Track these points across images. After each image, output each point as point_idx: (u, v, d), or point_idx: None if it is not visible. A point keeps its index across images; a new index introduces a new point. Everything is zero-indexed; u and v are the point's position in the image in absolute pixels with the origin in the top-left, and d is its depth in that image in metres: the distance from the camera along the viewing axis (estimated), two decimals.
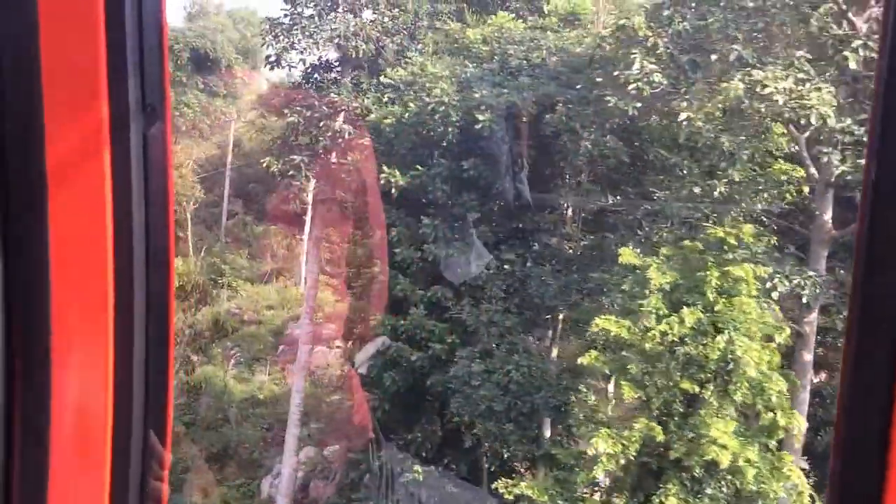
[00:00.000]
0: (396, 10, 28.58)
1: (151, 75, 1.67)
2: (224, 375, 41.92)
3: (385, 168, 21.99)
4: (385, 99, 26.31)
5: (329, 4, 28.14)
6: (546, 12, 26.53)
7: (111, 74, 1.58)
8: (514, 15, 25.51)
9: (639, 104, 17.23)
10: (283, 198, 55.99)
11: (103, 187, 1.59)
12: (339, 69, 28.07)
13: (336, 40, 27.02)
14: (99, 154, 1.59)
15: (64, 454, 1.64)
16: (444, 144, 21.84)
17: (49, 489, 1.63)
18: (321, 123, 27.95)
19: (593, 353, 16.01)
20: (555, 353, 21.23)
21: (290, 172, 28.40)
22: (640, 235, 18.69)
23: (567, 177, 21.73)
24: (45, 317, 1.58)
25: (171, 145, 1.77)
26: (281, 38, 28.16)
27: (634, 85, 16.81)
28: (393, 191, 21.90)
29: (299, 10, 28.76)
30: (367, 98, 28.12)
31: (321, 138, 28.31)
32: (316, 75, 28.51)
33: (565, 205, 22.33)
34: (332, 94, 27.73)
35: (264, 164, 28.83)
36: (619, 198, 19.94)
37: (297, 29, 27.86)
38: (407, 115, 22.19)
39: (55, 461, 1.63)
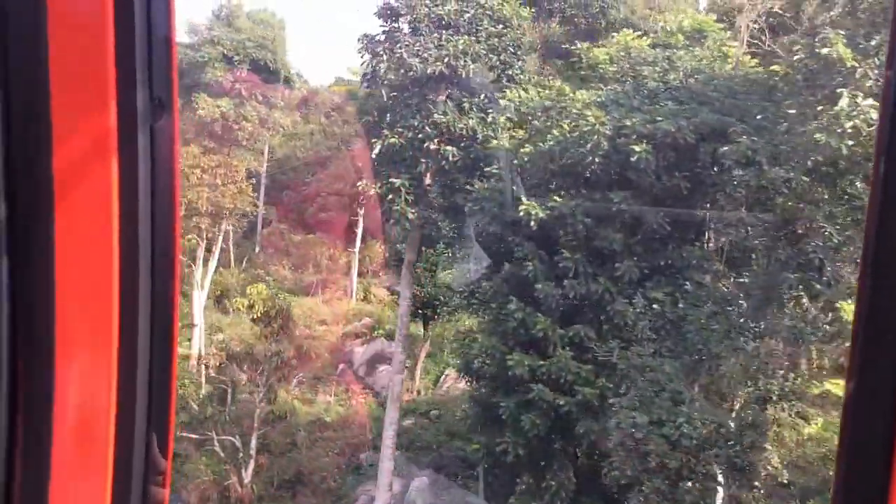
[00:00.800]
0: (500, 25, 26.85)
1: (160, 68, 1.63)
2: (288, 397, 40.04)
3: (522, 199, 20.25)
4: (501, 121, 24.64)
5: (432, 20, 26.37)
6: (668, 30, 24.85)
7: (120, 67, 1.55)
8: (639, 32, 23.80)
9: (851, 142, 15.50)
10: (323, 207, 54.21)
11: (110, 183, 1.56)
12: (443, 88, 26.28)
13: (445, 58, 25.23)
14: (106, 149, 1.55)
15: (66, 455, 1.60)
16: (588, 175, 20.16)
17: (50, 490, 1.59)
18: (424, 145, 26.20)
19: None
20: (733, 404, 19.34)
21: (390, 196, 26.65)
22: (826, 277, 17.04)
23: (721, 208, 19.99)
24: (50, 317, 1.55)
25: (179, 138, 1.71)
26: (381, 54, 26.38)
27: (851, 123, 15.07)
28: (532, 223, 20.17)
29: (398, 25, 27.00)
30: (471, 119, 26.38)
31: (423, 160, 26.57)
32: (415, 94, 26.74)
33: (712, 239, 20.72)
34: (436, 115, 25.96)
35: (360, 187, 27.07)
36: (790, 233, 18.22)
37: (399, 47, 26.09)
38: (548, 141, 20.42)
39: (57, 461, 1.59)
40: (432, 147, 25.96)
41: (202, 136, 43.35)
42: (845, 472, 1.51)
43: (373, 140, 26.74)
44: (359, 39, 27.92)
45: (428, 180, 26.56)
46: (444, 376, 38.80)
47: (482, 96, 26.34)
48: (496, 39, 26.43)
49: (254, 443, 29.65)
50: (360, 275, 55.75)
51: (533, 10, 27.75)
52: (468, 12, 26.58)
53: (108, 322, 1.59)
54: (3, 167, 1.53)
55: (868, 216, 1.44)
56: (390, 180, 26.53)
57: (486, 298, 21.66)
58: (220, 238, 44.89)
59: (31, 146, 1.54)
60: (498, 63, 26.28)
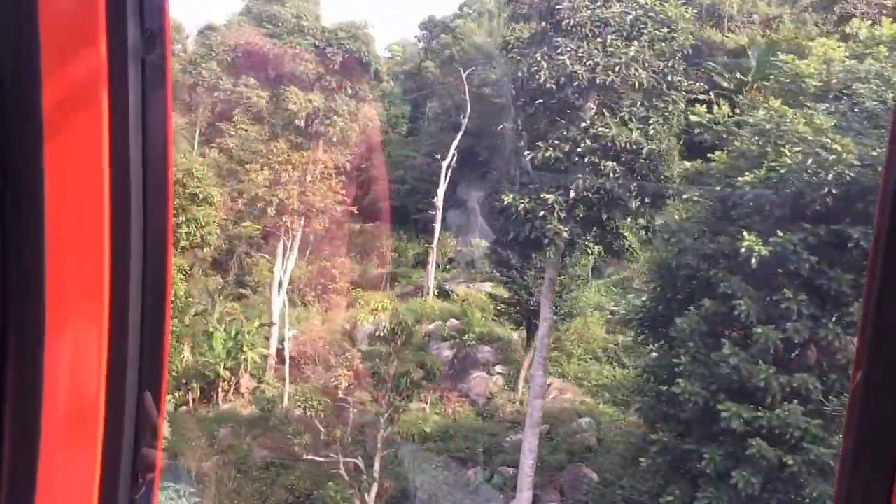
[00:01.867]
0: (666, 28, 24.27)
1: (151, 0, 1.58)
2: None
3: (745, 234, 17.85)
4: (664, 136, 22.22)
5: (595, 24, 23.81)
6: (860, 39, 22.30)
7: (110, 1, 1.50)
8: (840, 43, 21.29)
9: None
10: (387, 198, 51.66)
11: (100, 119, 1.50)
12: (606, 97, 23.75)
13: (616, 67, 22.69)
14: (96, 84, 1.49)
15: (56, 418, 1.55)
16: (818, 208, 17.78)
17: (40, 453, 1.54)
18: (585, 159, 23.75)
19: None
20: None
21: (542, 213, 24.24)
22: None
23: None
24: (39, 259, 1.50)
25: (170, 72, 1.63)
26: (539, 59, 23.83)
27: None
28: (753, 261, 17.83)
29: (557, 28, 24.42)
30: (633, 131, 23.91)
31: (580, 175, 24.15)
32: (572, 103, 24.24)
33: None
34: (600, 128, 23.48)
35: (505, 201, 24.67)
36: None
37: (559, 52, 23.53)
38: (777, 169, 17.94)
39: (46, 425, 1.54)
40: (592, 161, 23.55)
41: (290, 130, 40.87)
42: (848, 481, 1.50)
43: (526, 152, 24.29)
44: (505, 44, 25.46)
45: (581, 196, 24.17)
46: (546, 385, 36.58)
47: (644, 107, 23.91)
48: (662, 44, 23.89)
49: (377, 465, 27.57)
50: (426, 268, 53.48)
51: (693, 10, 25.13)
52: (629, 14, 24.04)
53: (98, 265, 1.50)
54: None
55: (877, 223, 1.43)
56: (542, 195, 24.13)
57: (682, 336, 19.31)
58: (299, 235, 42.47)
59: (18, 81, 1.46)
60: (665, 70, 23.76)
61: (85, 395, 1.56)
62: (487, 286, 47.96)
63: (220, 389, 41.18)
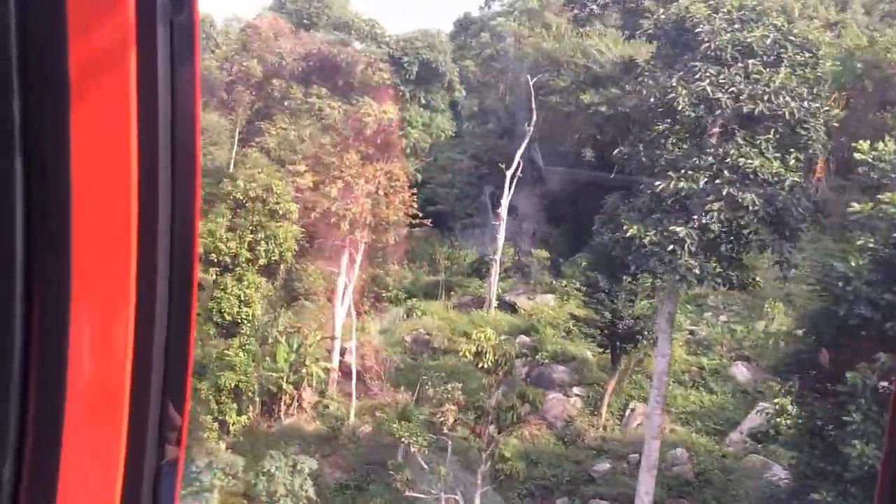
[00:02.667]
0: (807, 53, 22.58)
1: None
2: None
3: None
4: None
5: (737, 48, 22.10)
6: None
7: None
8: None
9: None
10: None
11: (128, 81, 1.45)
12: (748, 126, 22.07)
13: (765, 96, 21.02)
14: (124, 45, 1.44)
15: (79, 409, 1.50)
16: None
17: (63, 443, 1.49)
18: (723, 191, 22.11)
19: None
20: None
21: (670, 247, 22.63)
22: None
23: None
24: (65, 229, 1.45)
25: (199, 35, 1.56)
26: (676, 84, 22.14)
27: None
28: None
29: (692, 51, 22.73)
30: (773, 161, 22.25)
31: (715, 208, 22.49)
32: (707, 130, 22.59)
33: None
34: (739, 158, 21.82)
35: (628, 232, 23.07)
36: None
37: (700, 78, 21.83)
38: None
39: (70, 415, 1.49)
40: (730, 192, 21.91)
41: (360, 141, 39.25)
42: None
43: (657, 183, 22.61)
44: (630, 62, 23.81)
45: (713, 229, 22.54)
46: (629, 411, 34.98)
47: (782, 135, 22.26)
48: (805, 70, 22.22)
49: (478, 501, 26.04)
50: (482, 277, 51.73)
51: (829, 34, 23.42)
52: (768, 37, 22.36)
53: (126, 235, 1.45)
54: (18, 63, 1.40)
55: None
56: (671, 229, 22.51)
57: (854, 391, 17.70)
58: (362, 248, 40.78)
59: (45, 41, 1.42)
60: (807, 96, 22.08)
61: (109, 383, 1.48)
62: (549, 298, 46.30)
63: (282, 403, 39.64)
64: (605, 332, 32.94)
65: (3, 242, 1.43)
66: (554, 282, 47.75)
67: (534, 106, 45.07)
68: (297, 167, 39.23)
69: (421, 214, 38.55)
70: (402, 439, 24.85)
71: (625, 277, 32.27)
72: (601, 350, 34.94)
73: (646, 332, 32.36)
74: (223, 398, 33.10)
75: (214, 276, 31.95)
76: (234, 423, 32.74)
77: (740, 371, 35.94)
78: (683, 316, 40.61)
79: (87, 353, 1.48)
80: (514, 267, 50.26)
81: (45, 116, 1.43)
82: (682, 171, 22.28)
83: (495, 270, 46.61)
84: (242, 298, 32.18)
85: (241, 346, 32.67)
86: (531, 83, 44.69)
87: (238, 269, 32.34)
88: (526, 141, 45.96)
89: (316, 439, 37.07)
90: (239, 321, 32.34)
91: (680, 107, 21.60)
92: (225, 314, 31.86)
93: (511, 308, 46.09)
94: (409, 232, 49.86)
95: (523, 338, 41.12)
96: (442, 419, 24.63)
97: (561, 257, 49.00)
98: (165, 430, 1.59)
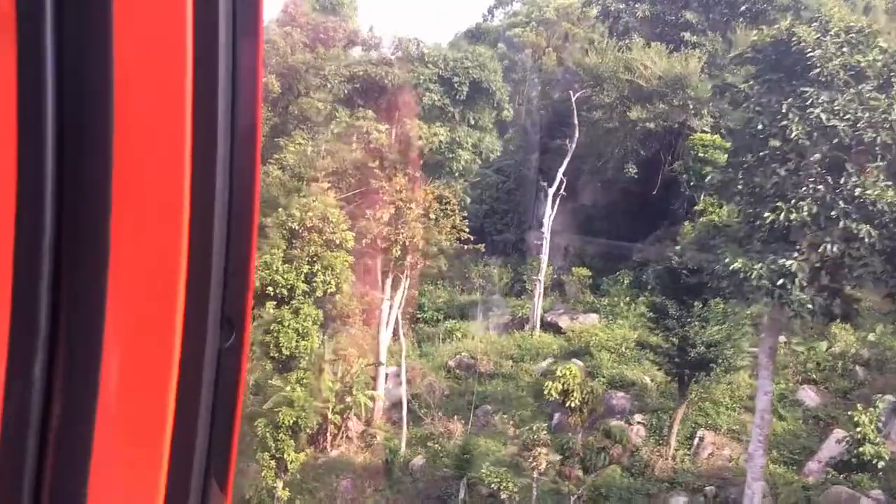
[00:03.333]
0: None
1: None
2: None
3: None
4: None
5: (849, 72, 20.91)
6: None
7: None
8: None
9: None
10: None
11: (183, 62, 1.26)
12: (863, 155, 20.90)
13: (887, 124, 19.84)
14: (178, 18, 1.25)
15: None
16: None
17: (91, 464, 1.31)
18: (840, 224, 20.89)
19: None
20: None
21: (780, 281, 21.40)
22: None
23: None
24: (104, 223, 1.26)
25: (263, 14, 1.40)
26: (787, 111, 20.92)
27: None
28: None
29: (802, 77, 21.51)
30: (888, 190, 21.07)
31: (827, 239, 21.30)
32: (826, 160, 21.36)
33: None
34: (857, 188, 20.61)
35: (731, 265, 21.74)
36: None
37: (812, 105, 20.60)
38: None
39: (101, 426, 1.30)
40: (846, 224, 20.73)
41: (407, 164, 37.97)
42: None
43: (766, 214, 21.39)
44: (726, 87, 22.60)
45: (825, 261, 21.36)
46: (698, 440, 33.66)
47: (889, 163, 21.10)
48: None
49: None
50: (517, 296, 50.35)
51: None
52: (879, 60, 21.20)
53: (178, 215, 1.26)
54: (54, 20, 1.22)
55: None
56: (779, 262, 21.31)
57: None
58: (407, 272, 39.42)
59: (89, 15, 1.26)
60: None
61: (150, 398, 1.30)
62: (594, 318, 45.08)
63: (328, 434, 38.27)
64: (675, 358, 31.63)
65: (34, 252, 1.22)
66: (596, 300, 46.54)
67: (576, 121, 43.90)
68: (321, 185, 37.89)
69: (473, 238, 37.17)
70: (492, 484, 23.44)
71: (695, 303, 31.09)
72: (667, 377, 33.61)
73: (719, 360, 31.14)
74: (281, 435, 31.69)
75: (271, 310, 30.58)
76: (291, 462, 31.32)
77: (808, 395, 34.73)
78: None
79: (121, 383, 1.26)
80: (553, 285, 48.92)
81: (84, 107, 1.23)
82: (793, 201, 21.04)
83: (538, 291, 45.34)
84: (300, 332, 30.78)
85: (298, 381, 31.28)
86: (573, 98, 43.54)
87: (294, 301, 30.96)
88: (568, 158, 44.73)
89: (367, 472, 35.67)
90: (297, 355, 30.96)
91: (793, 134, 20.35)
92: (283, 348, 30.48)
93: (555, 329, 44.81)
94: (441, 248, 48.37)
95: (575, 361, 39.77)
96: (534, 464, 23.22)
97: (599, 275, 47.77)
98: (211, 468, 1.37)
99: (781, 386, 35.36)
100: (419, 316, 50.83)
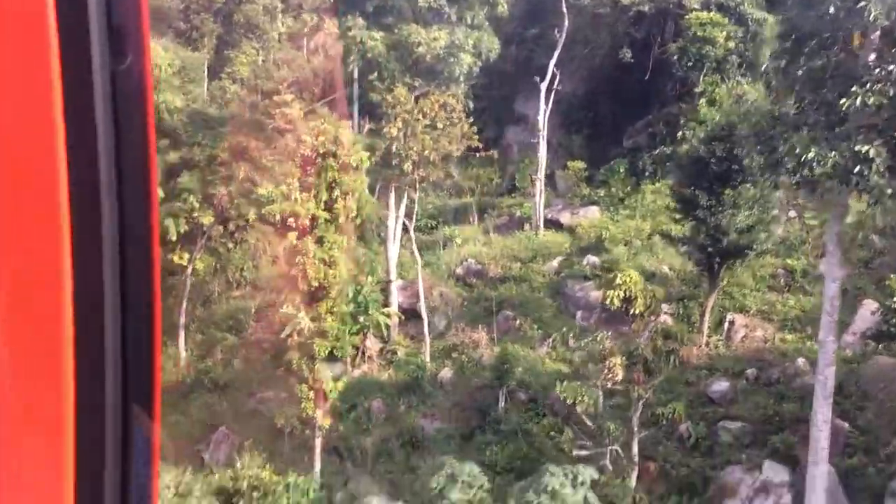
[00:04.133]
0: None
1: None
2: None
3: None
4: None
5: None
6: None
7: None
8: None
9: None
10: None
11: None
12: None
13: None
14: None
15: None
16: None
17: None
18: None
19: None
20: None
21: (857, 168, 20.55)
22: None
23: None
24: None
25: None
26: None
27: None
28: None
29: None
30: None
31: None
32: None
33: None
34: None
35: (802, 156, 20.74)
36: None
37: None
38: None
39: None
40: None
41: (412, 72, 35.81)
42: None
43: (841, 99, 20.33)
44: None
45: None
46: (727, 324, 33.54)
47: None
48: None
49: (635, 448, 24.35)
50: (509, 195, 49.13)
51: None
52: None
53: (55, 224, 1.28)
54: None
55: None
56: (855, 148, 20.47)
57: None
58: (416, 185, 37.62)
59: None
60: None
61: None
62: (594, 210, 44.30)
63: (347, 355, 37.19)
64: (708, 248, 31.01)
65: None
66: (592, 192, 45.64)
67: (564, 9, 41.81)
68: (283, 97, 35.68)
69: (482, 145, 35.59)
70: (567, 400, 22.80)
71: (726, 191, 30.39)
72: (697, 266, 33.09)
73: (754, 245, 30.70)
74: (316, 366, 30.56)
75: (294, 241, 28.94)
76: (331, 391, 30.30)
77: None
78: None
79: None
80: (545, 180, 47.40)
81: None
82: (868, 84, 20.03)
83: (539, 188, 44.22)
84: (327, 261, 29.30)
85: (328, 311, 29.98)
86: None
87: (317, 230, 29.34)
88: (558, 50, 42.86)
89: (396, 390, 34.90)
90: (325, 285, 29.55)
91: (872, 15, 19.14)
92: (311, 280, 29.03)
93: (557, 226, 43.94)
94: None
95: (591, 258, 39.17)
96: (609, 375, 22.60)
97: (592, 165, 46.64)
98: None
99: (802, 262, 35.34)
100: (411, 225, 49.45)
